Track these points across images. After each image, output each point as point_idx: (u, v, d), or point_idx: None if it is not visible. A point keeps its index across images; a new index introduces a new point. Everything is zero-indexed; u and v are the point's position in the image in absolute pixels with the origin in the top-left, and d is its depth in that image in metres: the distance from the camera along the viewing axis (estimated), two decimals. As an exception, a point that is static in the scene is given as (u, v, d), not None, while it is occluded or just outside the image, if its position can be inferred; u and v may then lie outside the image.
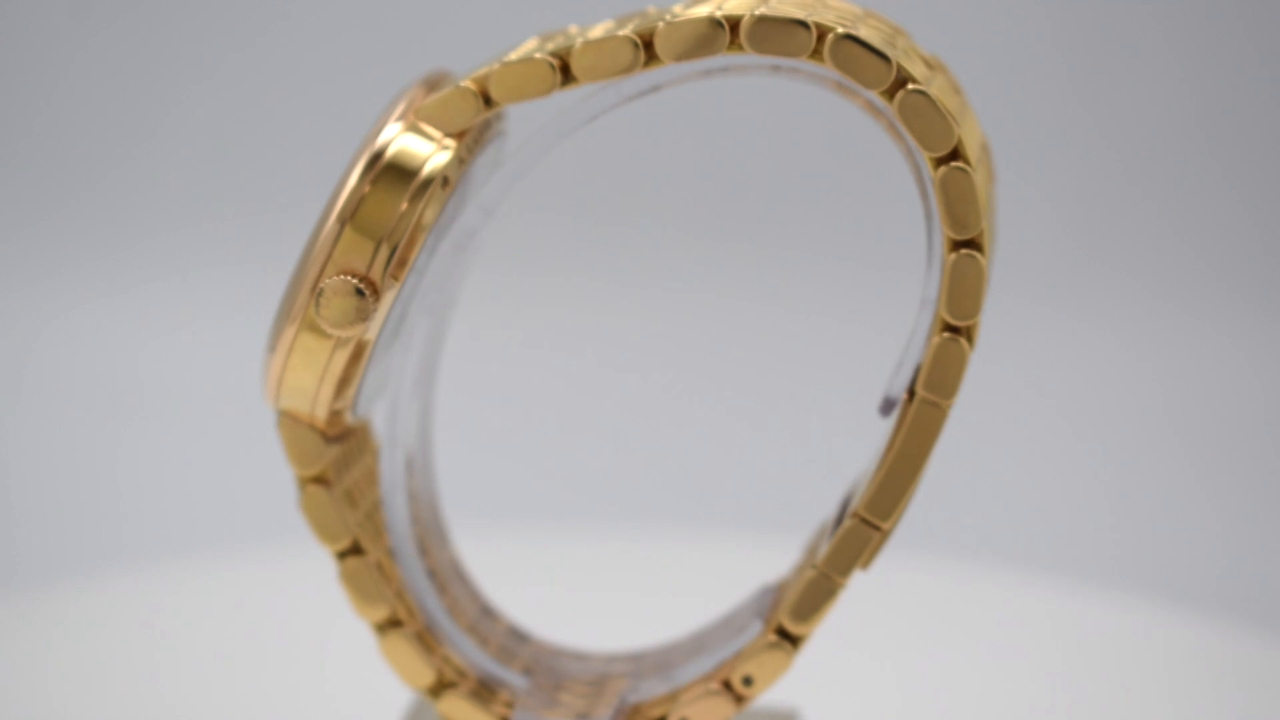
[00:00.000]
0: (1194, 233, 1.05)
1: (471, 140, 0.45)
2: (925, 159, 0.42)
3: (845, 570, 0.45)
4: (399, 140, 0.44)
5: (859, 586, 0.48)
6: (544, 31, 0.46)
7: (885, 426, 0.45)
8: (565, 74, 0.43)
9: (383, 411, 0.48)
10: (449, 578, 0.51)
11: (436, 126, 0.44)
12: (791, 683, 0.50)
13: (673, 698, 0.48)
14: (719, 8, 0.42)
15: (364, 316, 0.43)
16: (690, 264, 1.04)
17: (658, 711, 0.48)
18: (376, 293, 0.43)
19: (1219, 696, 0.67)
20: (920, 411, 0.44)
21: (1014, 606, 0.74)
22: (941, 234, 0.42)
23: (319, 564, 0.52)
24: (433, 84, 0.46)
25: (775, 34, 0.42)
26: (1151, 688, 0.67)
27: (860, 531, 0.45)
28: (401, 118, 0.44)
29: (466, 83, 0.44)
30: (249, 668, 0.66)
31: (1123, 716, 0.65)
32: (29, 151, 1.06)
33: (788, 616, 0.46)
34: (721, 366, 1.02)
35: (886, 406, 0.45)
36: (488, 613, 0.52)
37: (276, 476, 0.58)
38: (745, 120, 1.03)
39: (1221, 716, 0.65)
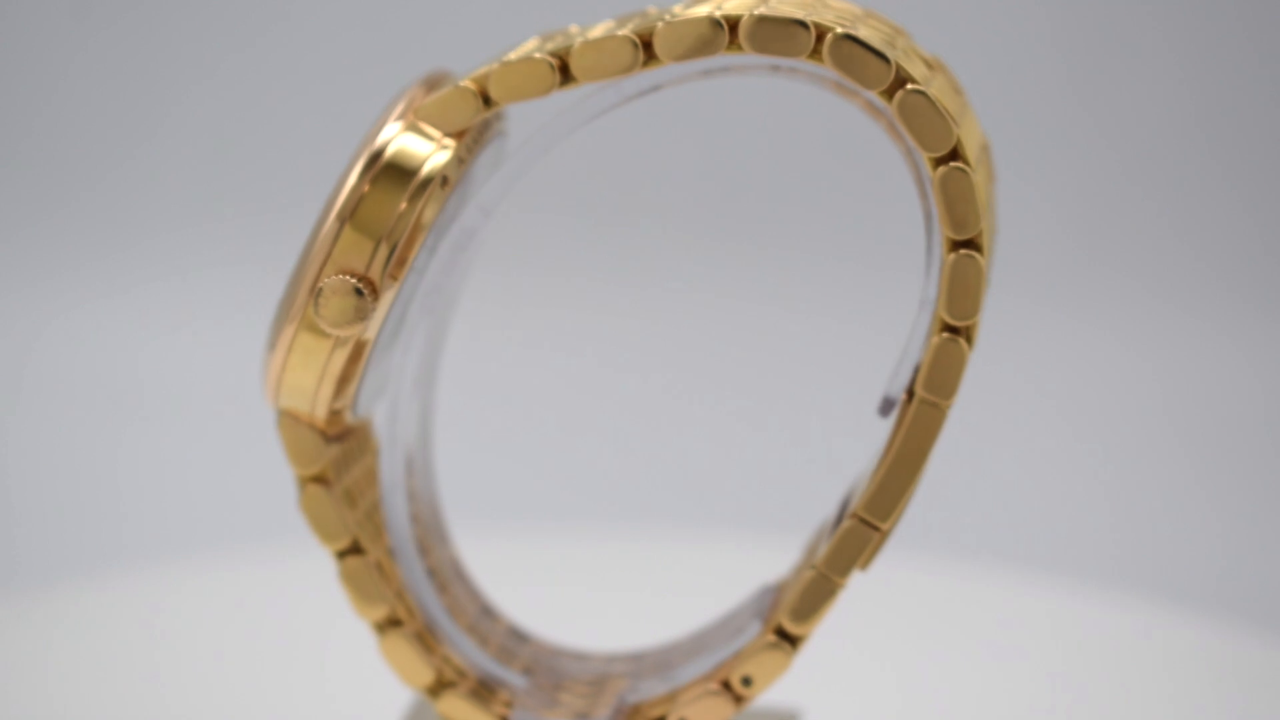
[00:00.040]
0: (1194, 233, 1.05)
1: (471, 140, 0.45)
2: (924, 159, 0.42)
3: (844, 571, 0.45)
4: (398, 140, 0.44)
5: (859, 587, 0.48)
6: (544, 31, 0.46)
7: (885, 427, 0.45)
8: (564, 74, 0.43)
9: (383, 411, 0.48)
10: (449, 577, 0.51)
11: (436, 126, 0.44)
12: (792, 683, 0.50)
13: (672, 698, 0.48)
14: (718, 8, 0.42)
15: (362, 316, 0.43)
16: (690, 264, 1.04)
17: (657, 711, 0.48)
18: (375, 292, 0.43)
19: (1219, 696, 0.67)
20: (919, 412, 0.44)
21: (1014, 606, 0.74)
22: (940, 234, 0.42)
23: (319, 564, 0.52)
24: (433, 84, 0.46)
25: (774, 34, 0.42)
26: (1151, 688, 0.67)
27: (859, 532, 0.45)
28: (401, 117, 0.44)
29: (466, 82, 0.44)
30: (249, 668, 0.66)
31: (1123, 716, 0.65)
32: (29, 151, 1.06)
33: (787, 617, 0.46)
34: (721, 366, 1.02)
35: (885, 407, 0.45)
36: (488, 612, 0.52)
37: (276, 476, 0.58)
38: (745, 120, 1.03)
39: (1221, 716, 0.65)
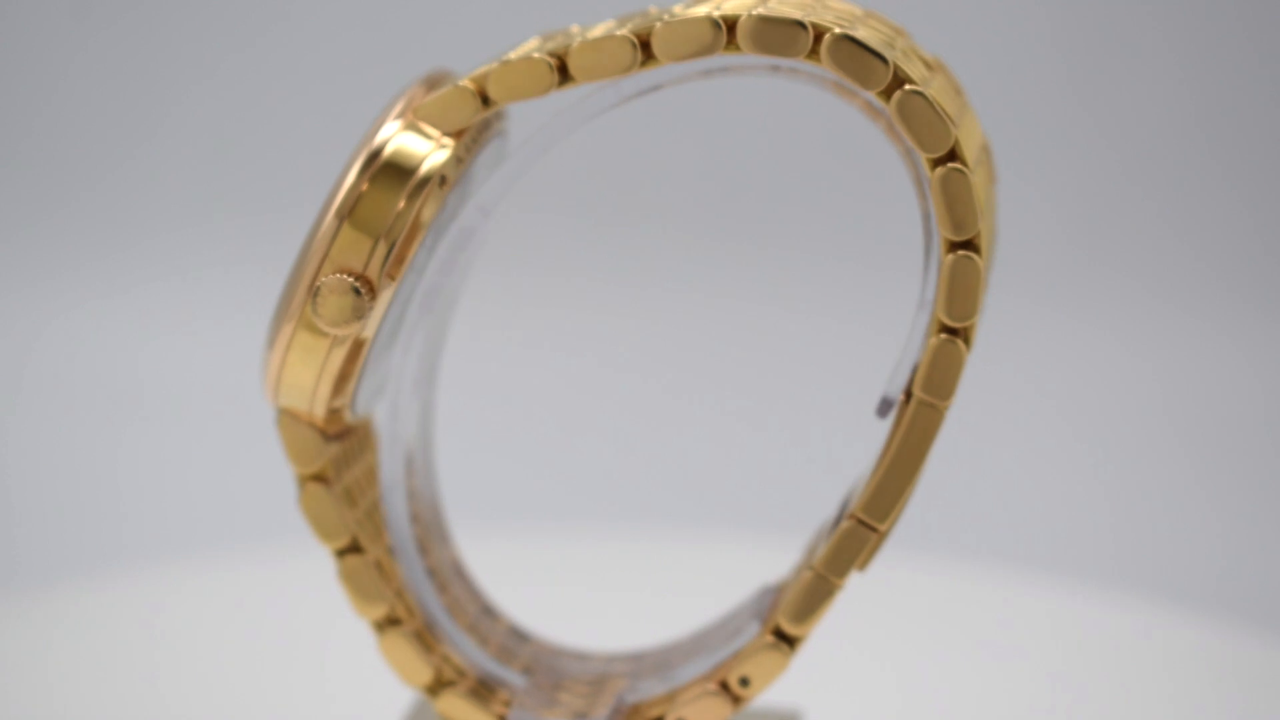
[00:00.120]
0: (1194, 233, 1.05)
1: (470, 139, 0.45)
2: (923, 159, 0.42)
3: (842, 571, 0.45)
4: (397, 138, 0.44)
5: (860, 587, 0.48)
6: (545, 31, 0.46)
7: (885, 427, 0.45)
8: (563, 74, 0.43)
9: (383, 410, 0.48)
10: (449, 577, 0.51)
11: (435, 125, 0.44)
12: (793, 683, 0.50)
13: (670, 698, 0.48)
14: (717, 8, 0.42)
15: (360, 315, 0.43)
16: (690, 264, 1.04)
17: (655, 712, 0.48)
18: (373, 291, 0.43)
19: (1219, 696, 0.67)
20: (917, 413, 0.44)
21: (1014, 606, 0.74)
22: (939, 235, 0.42)
23: (319, 564, 0.52)
24: (433, 83, 0.46)
25: (772, 34, 0.42)
26: (1151, 688, 0.67)
27: (857, 533, 0.45)
28: (400, 116, 0.44)
29: (465, 82, 0.44)
30: (249, 668, 0.66)
31: (1123, 716, 0.65)
32: (29, 151, 1.06)
33: (785, 617, 0.46)
34: (721, 366, 1.02)
35: (884, 408, 0.45)
36: (488, 612, 0.52)
37: (276, 476, 0.58)
38: (745, 120, 1.03)
39: (1221, 716, 0.65)
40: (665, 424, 0.99)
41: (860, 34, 0.42)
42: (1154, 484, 0.95)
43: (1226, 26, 1.04)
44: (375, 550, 0.48)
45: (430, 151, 0.44)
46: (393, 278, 0.44)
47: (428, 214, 0.44)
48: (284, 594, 0.72)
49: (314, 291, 0.43)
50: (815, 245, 1.04)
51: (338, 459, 0.47)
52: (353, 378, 0.45)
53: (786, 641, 0.46)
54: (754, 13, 0.42)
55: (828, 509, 0.48)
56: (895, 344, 0.45)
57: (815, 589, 0.45)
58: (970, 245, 0.42)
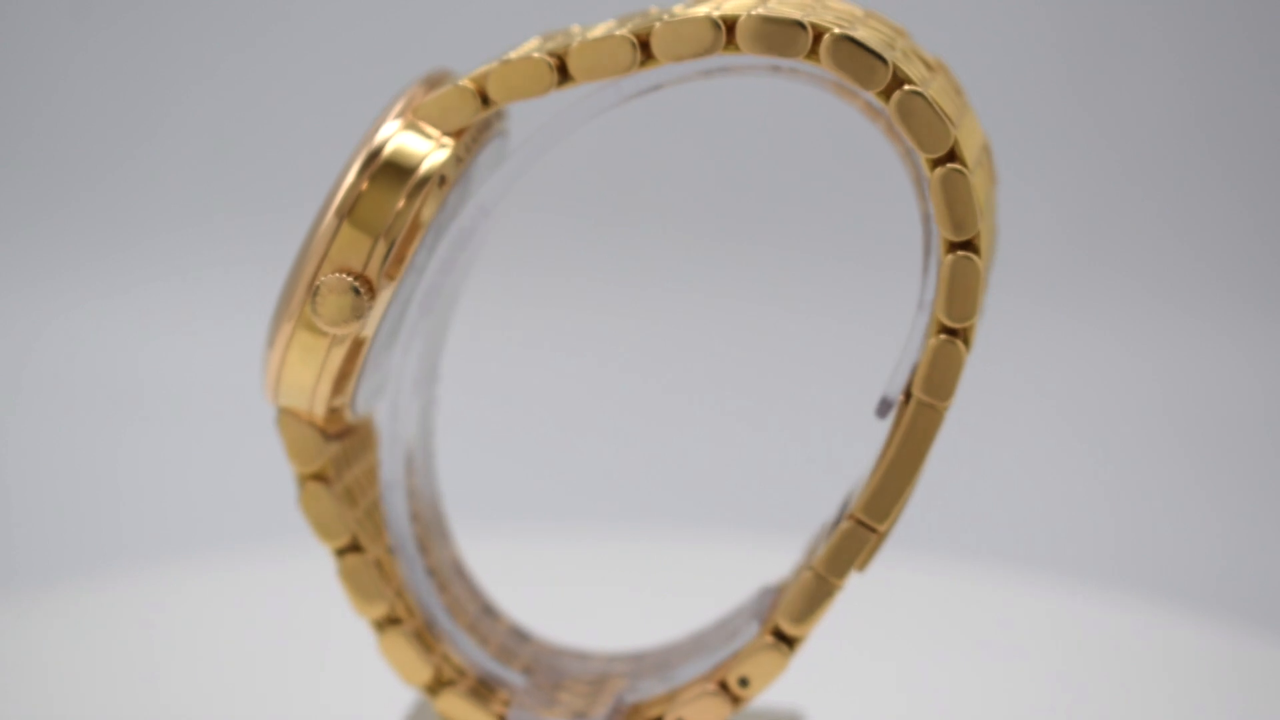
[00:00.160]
0: (1194, 233, 1.05)
1: (470, 139, 0.45)
2: (922, 160, 0.42)
3: (841, 572, 0.45)
4: (397, 138, 0.44)
5: (861, 587, 0.48)
6: (546, 31, 0.47)
7: (885, 427, 0.45)
8: (563, 73, 0.43)
9: (384, 409, 0.48)
10: (449, 576, 0.51)
11: (434, 125, 0.44)
12: (794, 684, 0.50)
13: (670, 698, 0.48)
14: (717, 8, 0.42)
15: (359, 314, 0.43)
16: (690, 264, 1.04)
17: (655, 711, 0.48)
18: (372, 291, 0.43)
19: (1219, 696, 0.67)
20: (917, 413, 0.44)
21: (1014, 606, 0.74)
22: (939, 235, 0.42)
23: (319, 564, 0.52)
24: (433, 83, 0.46)
25: (771, 34, 0.42)
26: (1151, 688, 0.67)
27: (856, 533, 0.45)
28: (401, 116, 0.44)
29: (465, 82, 0.44)
30: (249, 668, 0.66)
31: (1123, 716, 0.65)
32: (29, 151, 1.06)
33: (784, 618, 0.46)
34: (721, 366, 1.02)
35: (883, 408, 0.45)
36: (489, 611, 0.52)
37: (276, 476, 0.58)
38: (745, 120, 1.03)
39: (1221, 716, 0.65)
40: (665, 424, 0.99)
41: (860, 34, 0.42)
42: (1154, 484, 0.95)
43: (1226, 26, 1.04)
44: (375, 549, 0.48)
45: (430, 151, 0.44)
46: (392, 277, 0.44)
47: (427, 213, 0.44)
48: (284, 594, 0.72)
49: (313, 291, 0.43)
50: (815, 245, 1.04)
51: (338, 458, 0.47)
52: (352, 377, 0.46)
53: (786, 642, 0.46)
54: (753, 13, 0.42)
55: (828, 509, 0.48)
56: (895, 344, 0.45)
57: (815, 589, 0.45)
58: (970, 246, 0.42)
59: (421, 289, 0.46)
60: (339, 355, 0.44)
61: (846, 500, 0.46)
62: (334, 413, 0.46)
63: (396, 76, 0.51)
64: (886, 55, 0.41)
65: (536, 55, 0.43)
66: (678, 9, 0.44)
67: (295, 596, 0.70)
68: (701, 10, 0.42)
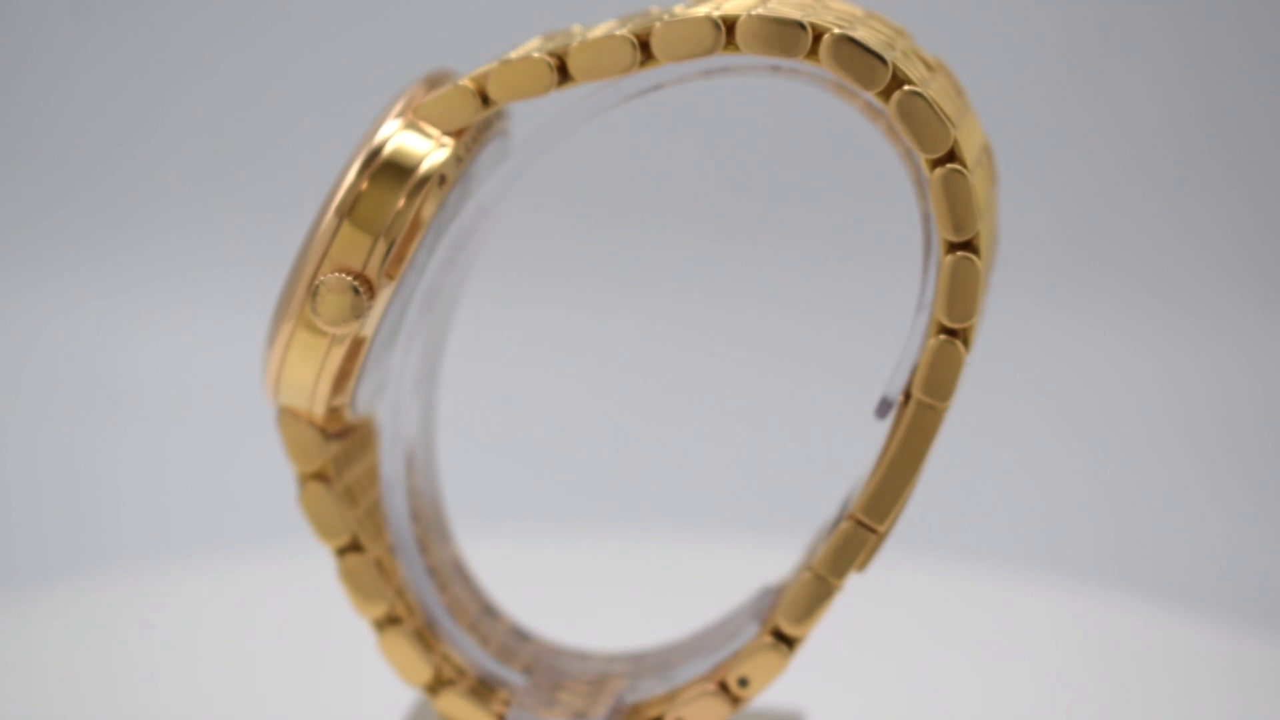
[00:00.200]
0: (1194, 233, 1.05)
1: (470, 139, 0.45)
2: (922, 160, 0.42)
3: (841, 572, 0.45)
4: (397, 137, 0.44)
5: (862, 588, 0.48)
6: (547, 31, 0.47)
7: (885, 427, 0.45)
8: (563, 73, 0.43)
9: (385, 409, 0.48)
10: (450, 576, 0.51)
11: (435, 124, 0.44)
12: (796, 684, 0.50)
13: (670, 698, 0.48)
14: (717, 8, 0.42)
15: (358, 314, 0.43)
16: (690, 264, 1.04)
17: (655, 711, 0.48)
18: (372, 290, 0.43)
19: (1219, 696, 0.67)
20: (916, 414, 0.44)
21: (1014, 606, 0.74)
22: (938, 236, 0.42)
23: (319, 564, 0.52)
24: (434, 82, 0.46)
25: (771, 34, 0.42)
26: (1151, 688, 0.67)
27: (856, 534, 0.45)
28: (401, 115, 0.44)
29: (465, 81, 0.44)
30: (249, 668, 0.66)
31: (1123, 716, 0.65)
32: (29, 151, 1.06)
33: (784, 618, 0.46)
34: (721, 366, 1.02)
35: (883, 408, 0.44)
36: (489, 611, 0.52)
37: (276, 476, 0.58)
38: (745, 120, 1.03)
39: (1221, 716, 0.65)
40: (665, 424, 0.99)
41: (860, 34, 0.42)
42: (1154, 484, 0.95)
43: (1226, 26, 1.04)
44: (375, 549, 0.48)
45: (430, 150, 0.44)
46: (391, 277, 0.44)
47: (427, 213, 0.44)
48: (284, 594, 0.72)
49: (313, 291, 0.43)
50: (815, 245, 1.04)
51: (338, 458, 0.47)
52: (352, 376, 0.46)
53: (785, 642, 0.46)
54: (753, 13, 0.42)
55: (828, 509, 0.48)
56: (895, 344, 0.45)
57: (814, 590, 0.45)
58: (969, 246, 0.42)
59: (422, 289, 0.46)
60: (339, 354, 0.44)
61: (847, 500, 0.46)
62: (334, 412, 0.46)
63: (396, 76, 0.51)
64: (886, 55, 0.41)
65: (536, 55, 0.43)
66: (678, 9, 0.44)
67: (295, 596, 0.70)
68: (701, 10, 0.42)
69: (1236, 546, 0.89)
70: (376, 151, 0.43)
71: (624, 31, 0.43)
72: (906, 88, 0.41)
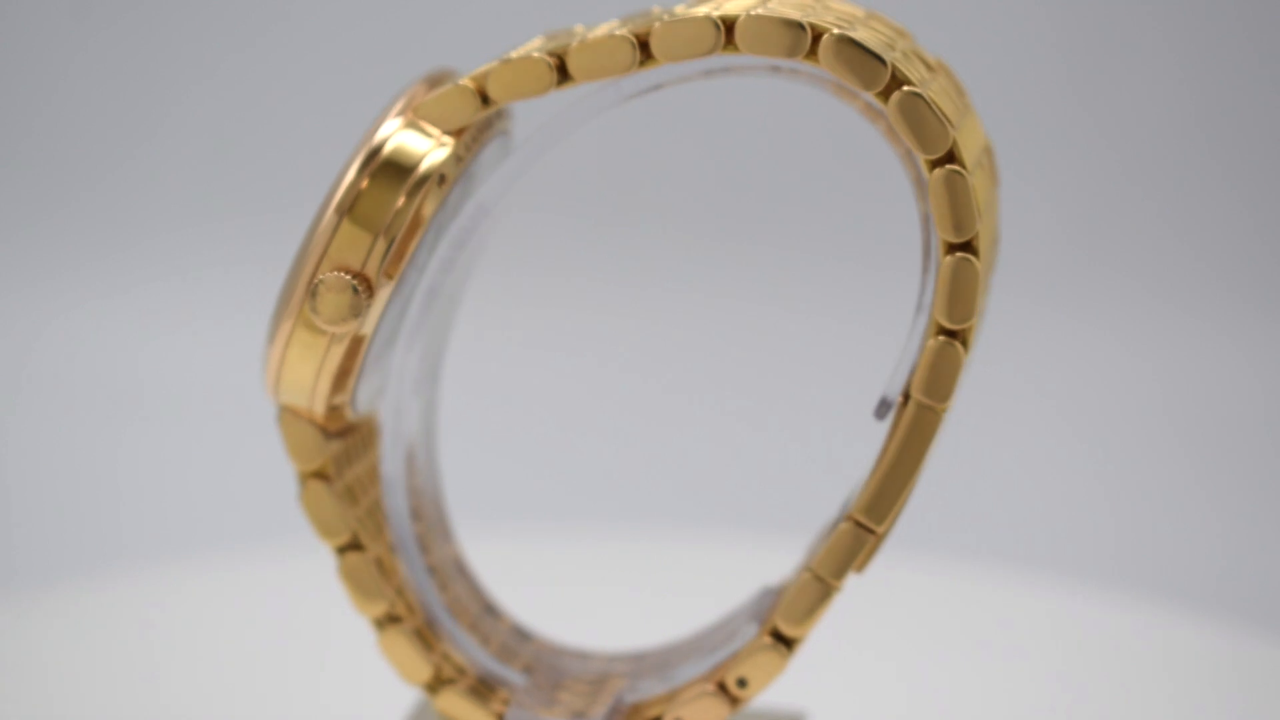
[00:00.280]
0: (1194, 233, 1.05)
1: (470, 138, 0.45)
2: (922, 161, 0.42)
3: (839, 573, 0.45)
4: (397, 136, 0.44)
5: (863, 589, 0.48)
6: (549, 31, 0.47)
7: (885, 427, 0.45)
8: (563, 73, 0.43)
9: (386, 408, 0.48)
10: (451, 575, 0.51)
11: (435, 124, 0.44)
12: (798, 685, 0.50)
13: (669, 698, 0.48)
14: (717, 8, 0.42)
15: (357, 313, 0.43)
16: (690, 264, 1.04)
17: (654, 711, 0.48)
18: (370, 289, 0.43)
19: (1219, 696, 0.67)
20: (915, 415, 0.44)
21: (1014, 606, 0.74)
22: (938, 237, 0.42)
23: (319, 564, 0.52)
24: (435, 82, 0.46)
25: (770, 34, 0.42)
26: (1151, 688, 0.67)
27: (855, 534, 0.45)
28: (401, 114, 0.44)
29: (465, 81, 0.44)
30: (249, 668, 0.66)
31: (1123, 716, 0.65)
32: (29, 151, 1.06)
33: (782, 619, 0.46)
34: (721, 366, 1.02)
35: (882, 409, 0.44)
36: (490, 611, 0.52)
37: (276, 476, 0.58)
38: (745, 120, 1.03)
39: (1221, 716, 0.65)
40: (665, 424, 0.99)
41: (859, 35, 0.42)
42: (1154, 484, 0.95)
43: (1226, 26, 1.04)
44: (376, 548, 0.48)
45: (430, 150, 0.44)
46: (391, 276, 0.44)
47: (427, 211, 0.44)
48: (284, 594, 0.72)
49: (312, 290, 0.43)
50: (815, 245, 1.04)
51: (339, 456, 0.47)
52: (352, 374, 0.46)
53: (784, 643, 0.46)
54: (753, 13, 0.42)
55: (828, 509, 0.48)
56: (895, 344, 0.45)
57: (812, 591, 0.45)
58: (969, 247, 0.42)
59: (423, 288, 0.46)
60: (338, 353, 0.44)
61: (847, 501, 0.46)
62: (334, 411, 0.46)
63: (396, 76, 0.51)
64: (886, 56, 0.41)
65: (536, 55, 0.43)
66: (679, 9, 0.44)
67: (295, 596, 0.70)
68: (701, 10, 0.42)
69: (1236, 546, 0.89)
70: (376, 150, 0.43)
71: (624, 31, 0.43)
72: (906, 88, 0.41)
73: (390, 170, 0.43)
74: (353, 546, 0.48)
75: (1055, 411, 1.01)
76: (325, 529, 0.47)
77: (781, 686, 0.47)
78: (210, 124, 1.05)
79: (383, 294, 0.44)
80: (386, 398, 0.48)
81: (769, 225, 1.05)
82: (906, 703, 0.65)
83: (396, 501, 0.48)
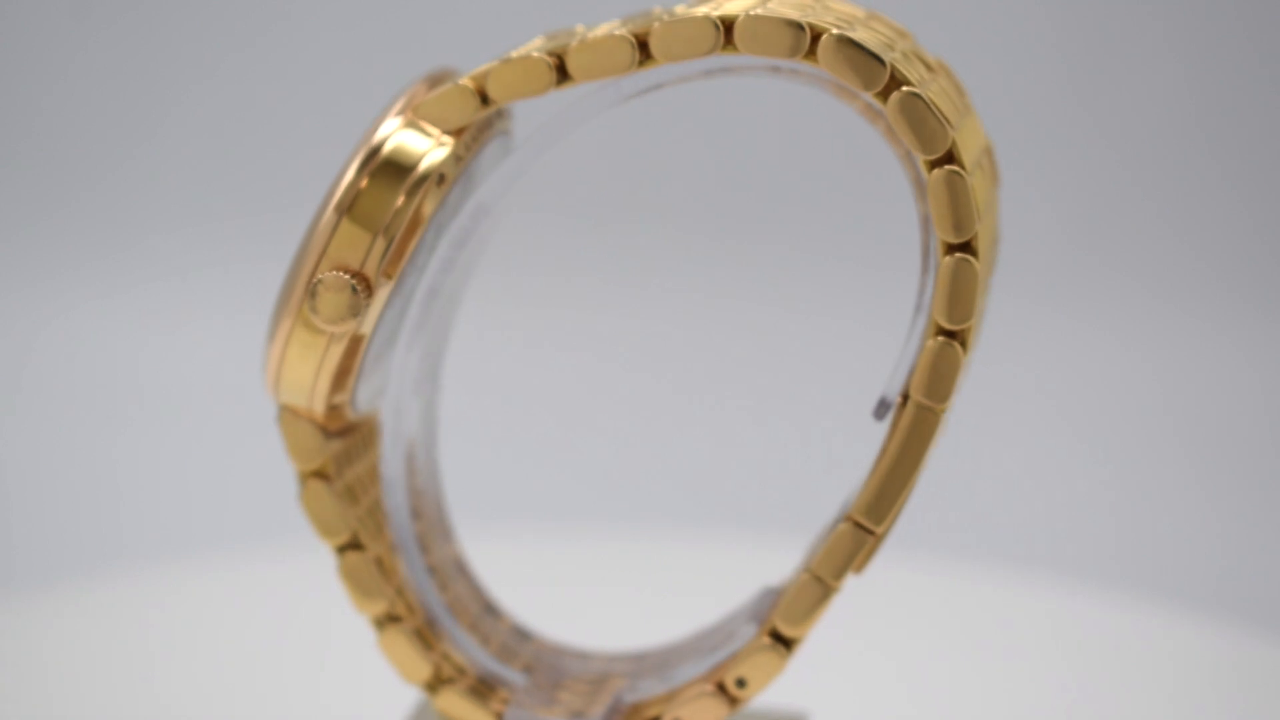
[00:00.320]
0: (1194, 233, 1.05)
1: (470, 138, 0.45)
2: (921, 162, 0.42)
3: (838, 574, 0.45)
4: (396, 136, 0.44)
5: (865, 589, 0.48)
6: (550, 31, 0.47)
7: (885, 427, 0.45)
8: (562, 73, 0.43)
9: (387, 407, 0.48)
10: (451, 574, 0.51)
11: (434, 123, 0.44)
12: (799, 685, 0.50)
13: (668, 698, 0.48)
14: (717, 8, 0.42)
15: (356, 312, 0.43)
16: (691, 264, 1.04)
17: (653, 711, 0.48)
18: (370, 288, 0.43)
19: (1219, 696, 0.67)
20: (915, 416, 0.44)
21: (1014, 606, 0.74)
22: (937, 237, 0.42)
23: (319, 563, 0.52)
24: (435, 81, 0.46)
25: (769, 34, 0.42)
26: (1151, 688, 0.67)
27: (853, 535, 0.45)
28: (401, 114, 0.44)
29: (465, 80, 0.44)
30: (249, 667, 0.66)
31: (1123, 716, 0.65)
32: (29, 151, 1.06)
33: (781, 619, 0.46)
34: (721, 366, 1.02)
35: (881, 409, 0.44)
36: (491, 610, 0.52)
37: (276, 476, 0.58)
38: (745, 120, 1.03)
39: (1221, 716, 0.65)
40: (665, 423, 0.99)
41: (858, 35, 0.42)
42: (1154, 484, 0.95)
43: (1226, 26, 1.04)
44: (376, 547, 0.48)
45: (429, 149, 0.44)
46: (390, 275, 0.44)
47: (426, 211, 0.44)
48: (284, 594, 0.72)
49: (311, 289, 0.43)
50: (815, 245, 1.04)
51: (339, 456, 0.47)
52: (352, 374, 0.46)
53: (783, 643, 0.46)
54: (752, 13, 0.42)
55: (828, 509, 0.48)
56: (894, 344, 0.45)
57: (811, 591, 0.45)
58: (968, 248, 0.42)
59: (423, 288, 0.46)
60: (337, 352, 0.44)
61: (847, 502, 0.46)
62: (334, 410, 0.46)
63: (396, 76, 0.51)
64: (885, 56, 0.41)
65: (536, 55, 0.43)
66: (679, 9, 0.44)
67: (295, 596, 0.70)
68: (701, 10, 0.42)
69: (1236, 546, 0.89)
70: (376, 149, 0.44)
71: (624, 31, 0.43)
72: (905, 89, 0.41)
73: (390, 169, 0.43)
74: (353, 546, 0.48)
75: (1055, 411, 1.01)
76: (325, 528, 0.47)
77: (781, 686, 0.47)
78: (210, 124, 1.05)
79: (382, 293, 0.44)
80: (387, 397, 0.48)
81: (769, 225, 1.05)
82: (907, 702, 0.65)
83: (396, 501, 0.48)
